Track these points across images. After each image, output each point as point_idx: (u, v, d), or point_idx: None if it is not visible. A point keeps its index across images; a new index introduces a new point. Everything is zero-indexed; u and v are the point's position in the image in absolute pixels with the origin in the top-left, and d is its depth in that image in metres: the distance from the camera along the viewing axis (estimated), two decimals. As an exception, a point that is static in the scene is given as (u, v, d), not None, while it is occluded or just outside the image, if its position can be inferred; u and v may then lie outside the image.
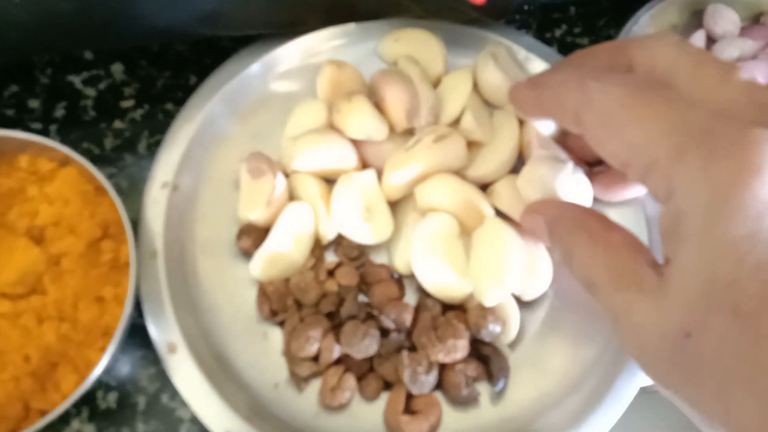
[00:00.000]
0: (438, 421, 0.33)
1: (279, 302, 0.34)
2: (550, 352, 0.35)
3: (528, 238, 0.31)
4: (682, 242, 0.21)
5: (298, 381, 0.33)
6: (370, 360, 0.33)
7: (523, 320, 0.35)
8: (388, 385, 0.34)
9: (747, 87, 0.22)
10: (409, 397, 0.33)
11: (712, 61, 0.23)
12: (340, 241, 0.36)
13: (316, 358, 0.33)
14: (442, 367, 0.33)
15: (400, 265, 0.36)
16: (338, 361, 0.34)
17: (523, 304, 0.35)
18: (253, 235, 0.35)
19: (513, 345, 0.35)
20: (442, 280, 0.34)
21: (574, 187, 0.33)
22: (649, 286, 0.22)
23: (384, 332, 0.34)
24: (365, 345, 0.32)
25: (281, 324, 0.35)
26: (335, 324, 0.34)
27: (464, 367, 0.33)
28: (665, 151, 0.21)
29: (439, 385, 0.33)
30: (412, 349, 0.33)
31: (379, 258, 0.37)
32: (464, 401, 0.33)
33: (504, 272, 0.32)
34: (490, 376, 0.34)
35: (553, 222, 0.29)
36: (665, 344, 0.21)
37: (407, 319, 0.33)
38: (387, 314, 0.33)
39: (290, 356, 0.34)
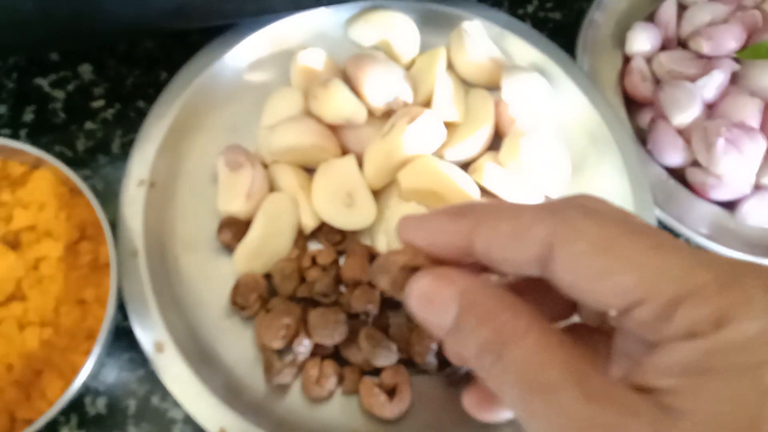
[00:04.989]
0: (408, 396, 0.32)
1: (243, 297, 0.34)
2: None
3: (417, 308, 0.21)
4: (718, 376, 0.18)
5: (270, 377, 0.32)
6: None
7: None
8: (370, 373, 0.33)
9: None
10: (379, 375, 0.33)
11: None
12: (322, 228, 0.36)
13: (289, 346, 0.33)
14: (408, 344, 0.33)
15: (381, 247, 0.35)
16: (313, 354, 0.33)
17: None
18: (234, 228, 0.35)
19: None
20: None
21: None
22: (646, 411, 0.18)
23: (351, 315, 0.33)
24: (335, 332, 0.32)
25: (250, 318, 0.34)
26: (306, 308, 0.33)
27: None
28: (712, 278, 0.18)
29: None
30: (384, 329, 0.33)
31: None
32: (431, 368, 0.33)
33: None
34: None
35: (471, 295, 0.20)
36: None
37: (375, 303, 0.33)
38: (356, 301, 0.33)
39: (262, 347, 0.33)
